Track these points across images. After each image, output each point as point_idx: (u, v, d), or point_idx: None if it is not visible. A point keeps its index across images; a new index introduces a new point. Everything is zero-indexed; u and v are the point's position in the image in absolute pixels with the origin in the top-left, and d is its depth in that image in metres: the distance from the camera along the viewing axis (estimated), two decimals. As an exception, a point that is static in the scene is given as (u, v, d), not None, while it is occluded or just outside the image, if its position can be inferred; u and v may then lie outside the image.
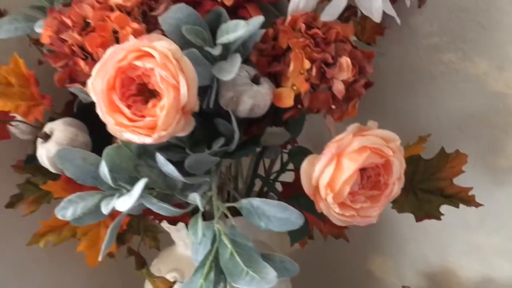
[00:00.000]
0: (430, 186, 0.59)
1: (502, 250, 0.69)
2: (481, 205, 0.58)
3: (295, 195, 0.60)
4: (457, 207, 0.58)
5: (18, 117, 0.54)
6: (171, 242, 0.68)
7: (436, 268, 0.76)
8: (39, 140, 0.49)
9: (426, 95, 0.67)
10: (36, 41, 0.55)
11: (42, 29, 0.47)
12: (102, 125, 0.45)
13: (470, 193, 0.58)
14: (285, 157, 0.60)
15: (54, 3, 0.52)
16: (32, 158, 0.52)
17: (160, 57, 0.40)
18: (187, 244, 0.65)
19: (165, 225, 0.62)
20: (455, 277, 0.74)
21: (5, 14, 0.57)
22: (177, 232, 0.64)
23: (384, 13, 0.50)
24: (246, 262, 0.43)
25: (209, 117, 0.48)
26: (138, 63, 0.40)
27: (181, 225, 0.61)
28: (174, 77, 0.40)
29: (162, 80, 0.40)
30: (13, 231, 0.66)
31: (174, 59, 0.40)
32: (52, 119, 0.53)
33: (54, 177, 0.53)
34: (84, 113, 0.53)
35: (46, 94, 0.51)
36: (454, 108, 0.66)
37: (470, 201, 0.58)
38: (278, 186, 0.61)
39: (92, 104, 0.48)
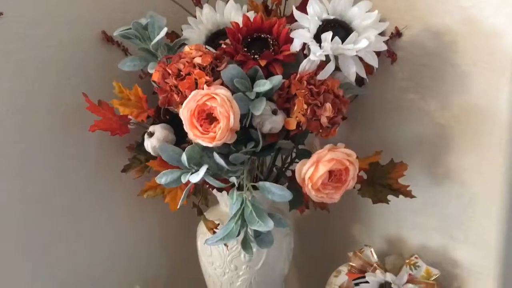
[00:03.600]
0: (383, 182, 0.81)
1: (435, 227, 0.88)
2: (414, 196, 0.82)
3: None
4: (397, 197, 0.82)
5: (131, 118, 0.86)
6: (216, 202, 0.92)
7: (393, 236, 0.95)
8: (146, 136, 0.81)
9: (397, 119, 0.89)
10: (146, 74, 0.85)
11: (153, 71, 0.79)
12: (181, 129, 0.76)
13: (408, 188, 0.82)
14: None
15: (158, 50, 0.84)
16: (140, 144, 0.82)
17: (220, 100, 0.71)
18: (226, 204, 0.88)
19: (214, 191, 0.87)
20: (404, 243, 0.94)
21: (127, 52, 0.90)
22: (222, 196, 0.89)
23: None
24: (259, 216, 0.72)
25: (247, 128, 0.77)
26: (208, 103, 0.71)
27: (224, 192, 0.86)
28: (227, 112, 0.70)
29: (220, 113, 0.71)
30: (128, 188, 0.94)
31: (228, 101, 0.71)
32: (153, 120, 0.85)
33: (151, 156, 0.82)
34: (172, 120, 0.84)
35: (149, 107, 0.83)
36: (414, 131, 0.88)
37: (407, 194, 0.82)
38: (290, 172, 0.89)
39: (176, 115, 0.80)
